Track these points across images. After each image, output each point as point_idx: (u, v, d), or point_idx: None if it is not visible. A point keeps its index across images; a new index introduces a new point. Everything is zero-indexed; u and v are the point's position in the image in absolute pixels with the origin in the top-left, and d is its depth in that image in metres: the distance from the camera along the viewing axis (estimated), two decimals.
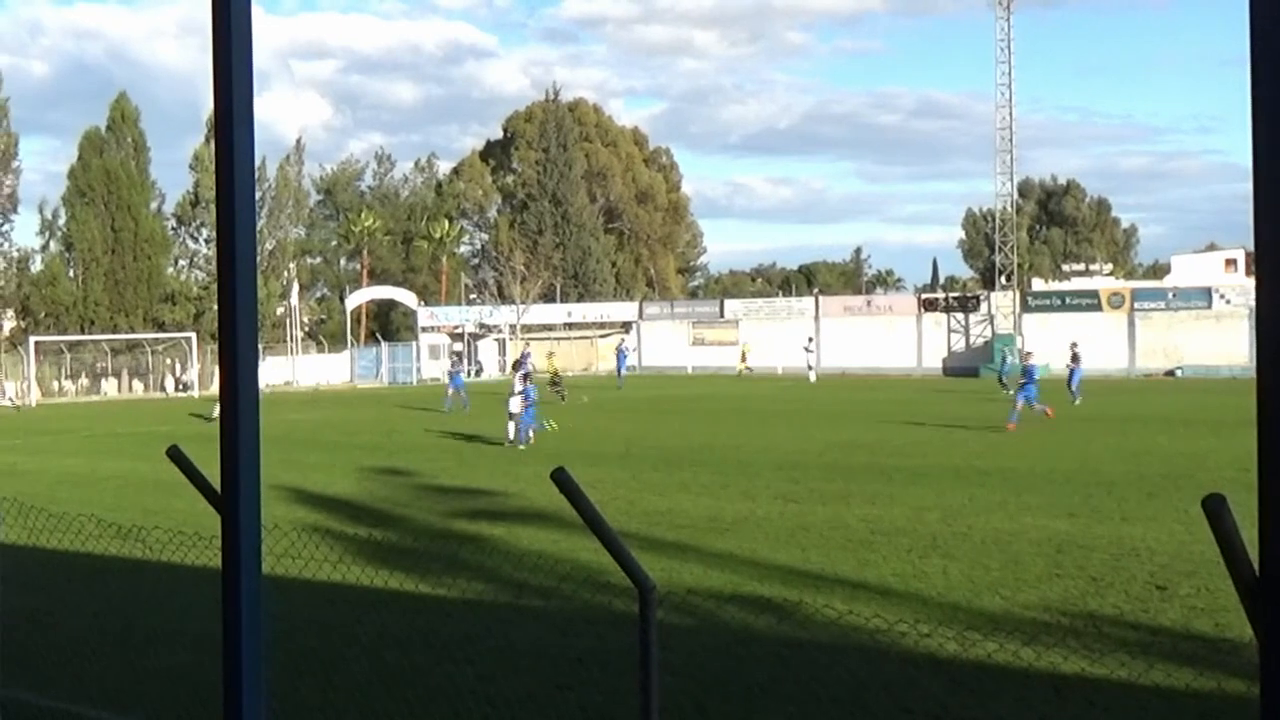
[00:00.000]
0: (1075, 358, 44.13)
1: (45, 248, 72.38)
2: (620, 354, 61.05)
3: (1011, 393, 35.73)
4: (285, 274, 77.21)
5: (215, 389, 44.30)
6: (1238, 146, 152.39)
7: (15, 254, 72.70)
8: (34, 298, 70.09)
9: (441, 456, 26.45)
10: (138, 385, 65.88)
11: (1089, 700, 8.53)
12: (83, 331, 66.04)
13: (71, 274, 70.44)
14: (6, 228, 72.19)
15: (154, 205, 73.70)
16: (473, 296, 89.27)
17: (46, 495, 18.59)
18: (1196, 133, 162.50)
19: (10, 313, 72.19)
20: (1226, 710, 8.02)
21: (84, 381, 65.06)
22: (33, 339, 60.23)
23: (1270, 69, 2.08)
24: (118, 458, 28.09)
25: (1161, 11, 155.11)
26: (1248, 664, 7.72)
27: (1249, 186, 2.12)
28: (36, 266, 72.57)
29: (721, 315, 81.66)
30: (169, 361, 67.10)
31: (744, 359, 73.06)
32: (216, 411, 39.79)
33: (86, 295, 68.81)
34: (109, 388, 64.91)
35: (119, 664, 9.91)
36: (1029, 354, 36.05)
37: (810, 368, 63.91)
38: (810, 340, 67.83)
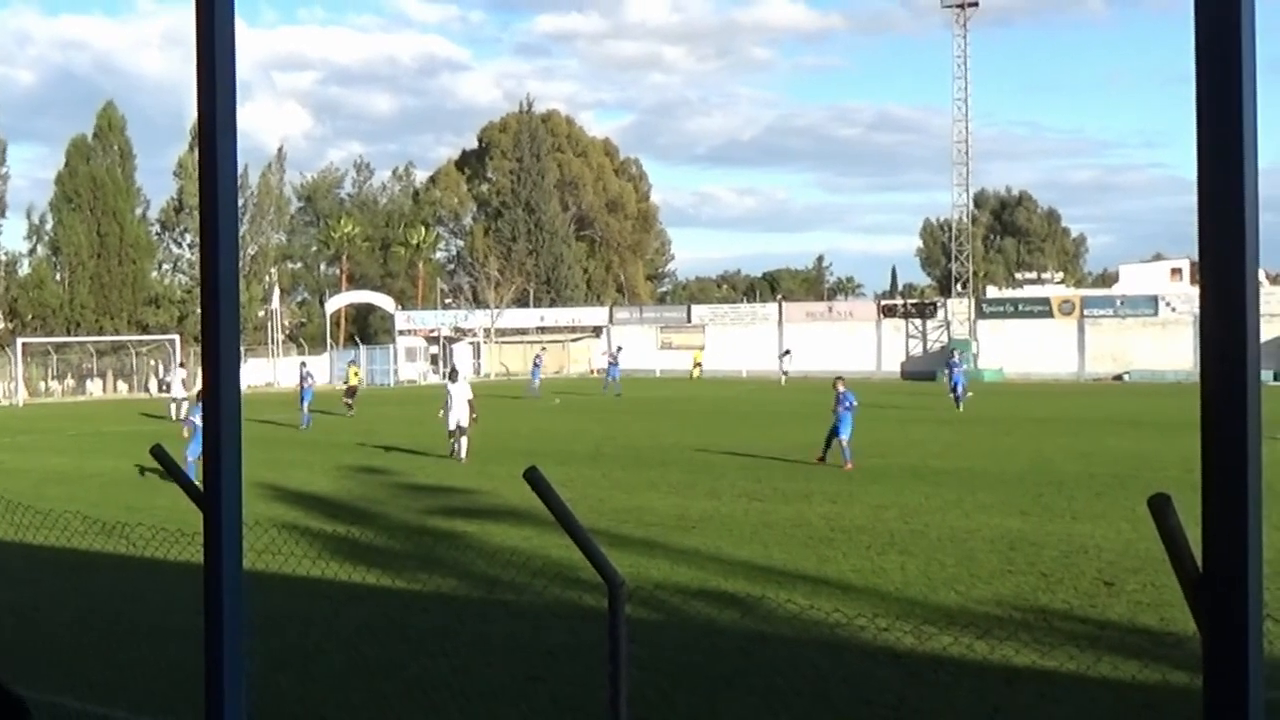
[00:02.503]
0: (951, 366, 44.13)
1: (33, 252, 71.95)
2: (611, 363, 58.60)
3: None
4: (267, 278, 76.85)
5: (190, 391, 43.96)
6: (1182, 160, 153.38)
7: (3, 258, 72.18)
8: (21, 300, 69.51)
9: (417, 456, 26.35)
10: (122, 386, 65.40)
11: (1040, 692, 8.58)
12: (69, 333, 65.53)
13: (58, 277, 69.91)
14: None
15: (139, 211, 73.22)
16: (448, 301, 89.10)
17: (33, 493, 18.42)
18: (1143, 147, 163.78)
19: None
20: (1171, 701, 8.08)
21: (70, 382, 64.52)
22: (20, 340, 59.68)
23: (1214, 87, 2.09)
24: (103, 456, 27.88)
25: (1109, 31, 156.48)
26: (1191, 656, 7.77)
27: (1193, 199, 2.14)
28: (24, 270, 72.08)
29: (689, 320, 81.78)
30: (152, 363, 66.65)
31: (697, 364, 74.98)
32: (184, 412, 39.50)
33: (73, 298, 68.29)
34: (94, 388, 64.39)
35: (103, 657, 9.83)
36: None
37: (784, 372, 63.88)
38: (787, 352, 67.98)
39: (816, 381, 59.71)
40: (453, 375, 27.97)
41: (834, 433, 24.15)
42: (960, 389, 41.39)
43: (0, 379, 59.99)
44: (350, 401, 42.01)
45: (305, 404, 36.75)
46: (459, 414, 25.65)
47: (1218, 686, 2.19)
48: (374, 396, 55.98)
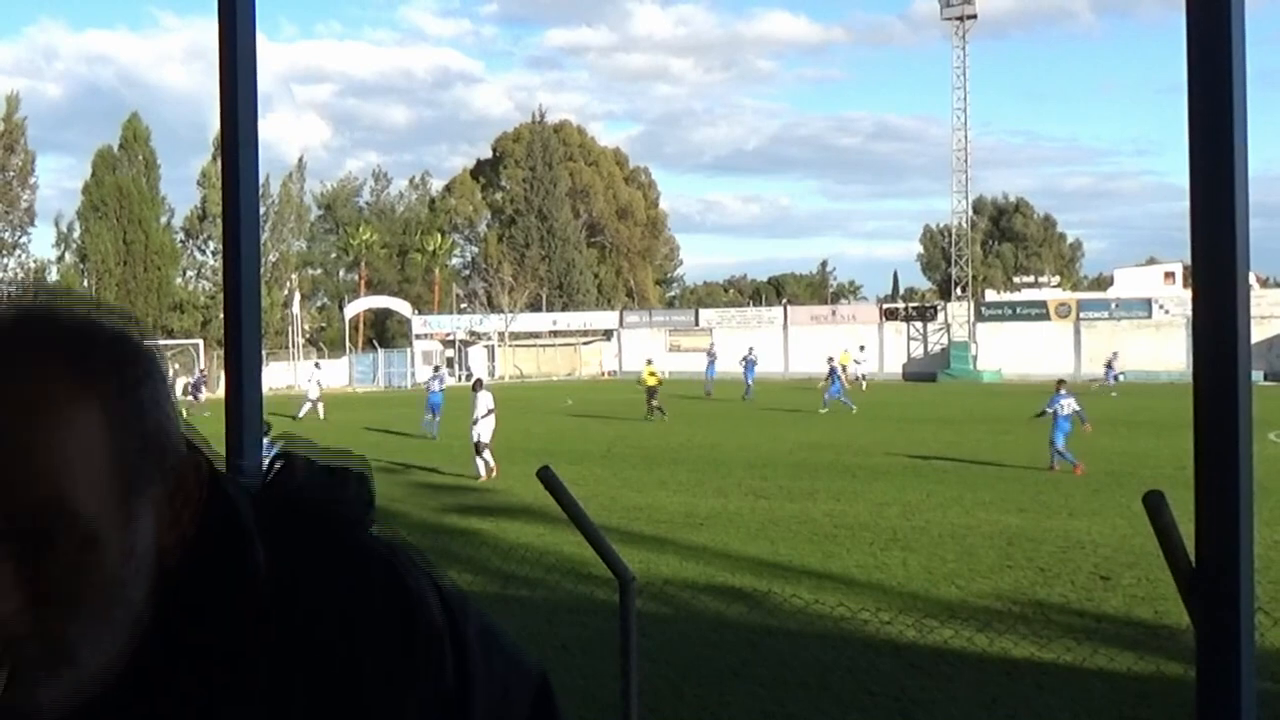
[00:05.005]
0: (832, 371, 42.50)
1: (61, 259, 72.14)
2: (748, 364, 51.40)
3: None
4: (287, 284, 76.94)
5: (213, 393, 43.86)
6: (1174, 168, 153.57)
7: (32, 265, 72.32)
8: None
9: (434, 455, 26.34)
10: None
11: (1037, 683, 8.56)
12: None
13: (85, 284, 70.10)
14: (24, 240, 71.74)
15: (164, 219, 73.34)
16: (463, 306, 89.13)
17: None
18: (1135, 155, 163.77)
19: None
20: (1164, 691, 8.06)
21: None
22: None
23: (1205, 97, 2.09)
24: None
25: (1101, 43, 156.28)
26: (1184, 649, 7.74)
27: (1185, 205, 2.14)
28: (53, 277, 72.25)
29: (696, 324, 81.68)
30: (176, 367, 66.80)
31: (845, 370, 63.97)
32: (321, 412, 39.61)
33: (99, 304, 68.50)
34: None
35: None
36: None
37: (861, 376, 57.81)
38: (862, 349, 64.27)
39: (818, 383, 59.50)
40: (476, 384, 24.76)
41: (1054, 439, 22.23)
42: (843, 394, 39.80)
43: None
44: (655, 404, 37.09)
45: (433, 414, 31.77)
46: (482, 427, 22.59)
47: (1210, 677, 2.18)
48: (391, 399, 56.09)
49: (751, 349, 57.68)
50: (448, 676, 0.96)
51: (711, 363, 54.49)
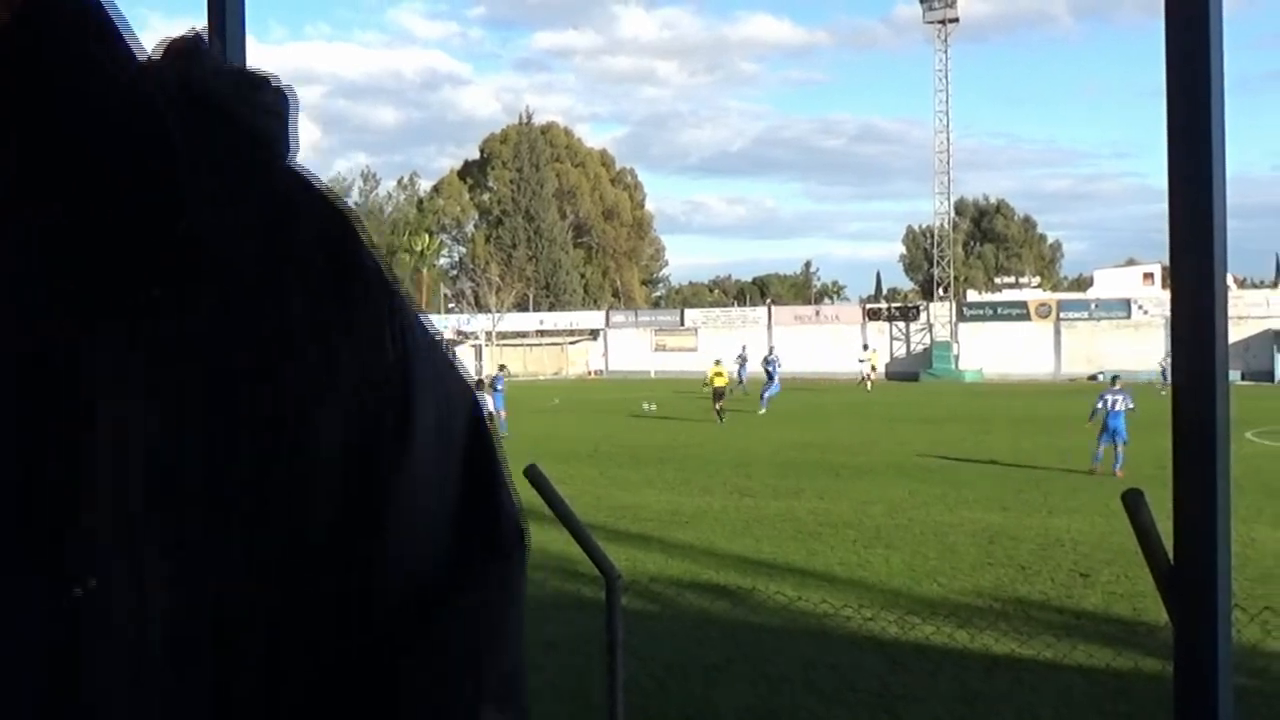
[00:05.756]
0: (768, 370, 41.72)
1: None
2: (770, 364, 45.79)
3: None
4: None
5: None
6: (1153, 170, 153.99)
7: None
8: None
9: None
10: None
11: (1018, 678, 8.58)
12: None
13: None
14: None
15: None
16: (451, 305, 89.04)
17: None
18: (1114, 157, 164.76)
19: None
20: (1143, 687, 8.08)
21: None
22: None
23: (1184, 100, 2.10)
24: None
25: (1080, 47, 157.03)
26: (1162, 645, 7.76)
27: (1164, 207, 2.14)
28: None
29: (682, 324, 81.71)
30: None
31: (874, 368, 60.96)
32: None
33: None
34: None
35: None
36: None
37: (866, 377, 57.60)
38: (865, 347, 65.02)
39: (803, 382, 59.59)
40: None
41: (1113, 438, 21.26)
42: (770, 389, 39.59)
43: None
44: (719, 406, 35.23)
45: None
46: None
47: (1188, 672, 2.19)
48: None
49: (773, 348, 57.97)
50: (389, 349, 0.66)
51: (743, 365, 53.87)
